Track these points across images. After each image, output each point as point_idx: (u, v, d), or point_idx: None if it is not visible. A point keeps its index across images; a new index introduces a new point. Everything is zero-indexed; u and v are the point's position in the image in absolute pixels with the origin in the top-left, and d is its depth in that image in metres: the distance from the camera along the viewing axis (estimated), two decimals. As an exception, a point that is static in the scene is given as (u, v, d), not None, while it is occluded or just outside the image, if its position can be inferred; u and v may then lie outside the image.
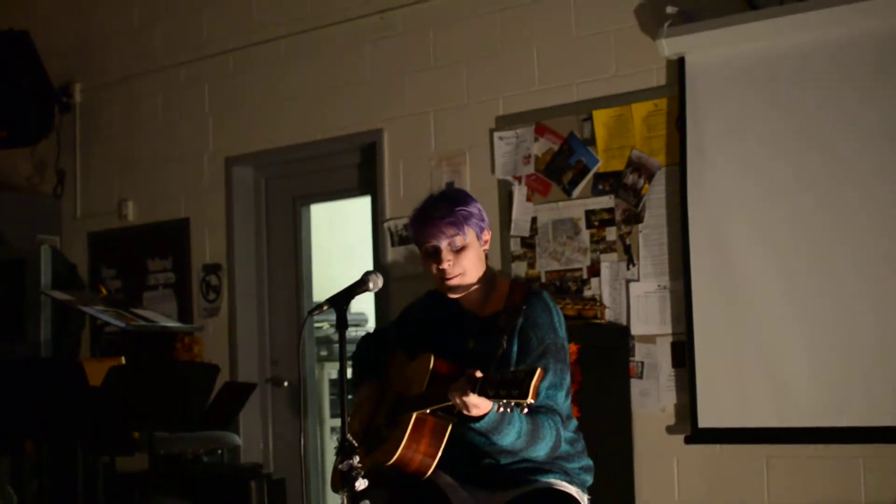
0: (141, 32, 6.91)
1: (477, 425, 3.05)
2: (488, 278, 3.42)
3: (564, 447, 3.33)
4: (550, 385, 3.24)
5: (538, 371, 2.82)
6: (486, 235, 3.41)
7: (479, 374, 2.93)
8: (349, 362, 3.50)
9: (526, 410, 2.87)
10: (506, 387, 2.85)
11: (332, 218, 6.88)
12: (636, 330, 4.98)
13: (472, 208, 3.37)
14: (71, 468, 4.99)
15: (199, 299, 6.50)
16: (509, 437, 3.12)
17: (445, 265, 3.33)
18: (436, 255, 3.34)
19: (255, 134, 6.36)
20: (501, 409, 2.89)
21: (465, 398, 2.97)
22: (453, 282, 3.35)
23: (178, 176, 6.66)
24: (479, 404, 2.99)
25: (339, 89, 6.02)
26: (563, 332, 3.36)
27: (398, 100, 5.81)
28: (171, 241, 6.63)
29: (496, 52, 5.50)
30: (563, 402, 3.30)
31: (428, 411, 3.17)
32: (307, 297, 6.37)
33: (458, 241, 3.33)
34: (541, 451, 3.22)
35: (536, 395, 2.81)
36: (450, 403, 3.04)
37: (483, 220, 3.40)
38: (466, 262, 3.34)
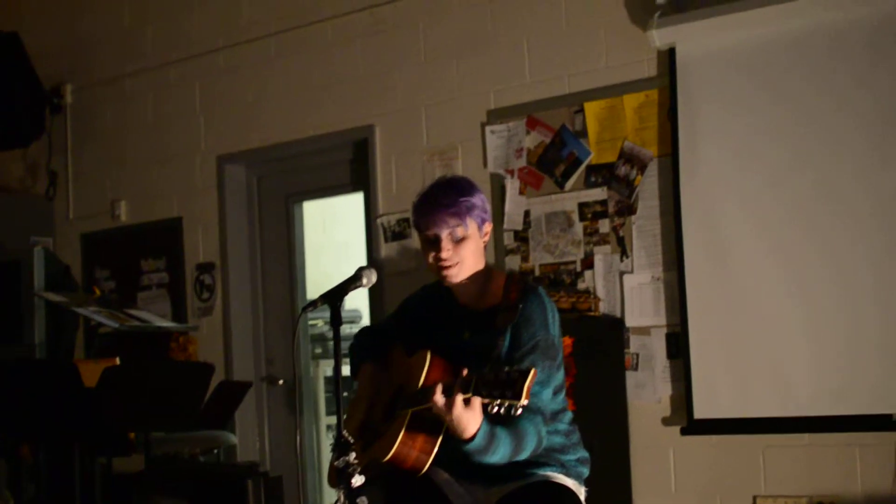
0: (131, 32, 6.89)
1: (467, 447, 3.06)
2: (484, 272, 3.42)
3: (559, 440, 3.34)
4: (536, 382, 3.23)
5: (532, 372, 2.84)
6: (487, 227, 3.41)
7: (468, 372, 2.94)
8: (345, 358, 3.49)
9: (520, 412, 2.87)
10: (499, 387, 2.86)
11: (325, 215, 6.86)
12: (631, 322, 4.98)
13: (476, 199, 3.37)
14: (68, 470, 4.97)
15: (193, 299, 6.49)
16: (497, 455, 3.13)
17: (444, 254, 3.33)
18: (435, 243, 3.34)
19: (246, 132, 6.35)
20: (495, 411, 2.89)
21: (451, 412, 2.97)
22: (450, 272, 3.35)
23: (171, 175, 6.65)
24: (464, 417, 2.98)
25: (330, 86, 6.01)
26: (555, 330, 3.34)
27: (389, 95, 5.80)
28: (165, 241, 6.62)
29: (486, 45, 5.49)
30: (547, 400, 3.28)
31: (424, 409, 3.16)
32: (301, 295, 6.36)
33: (459, 231, 3.33)
34: (523, 455, 3.22)
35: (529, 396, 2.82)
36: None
37: (486, 211, 3.39)
38: (465, 253, 3.34)
